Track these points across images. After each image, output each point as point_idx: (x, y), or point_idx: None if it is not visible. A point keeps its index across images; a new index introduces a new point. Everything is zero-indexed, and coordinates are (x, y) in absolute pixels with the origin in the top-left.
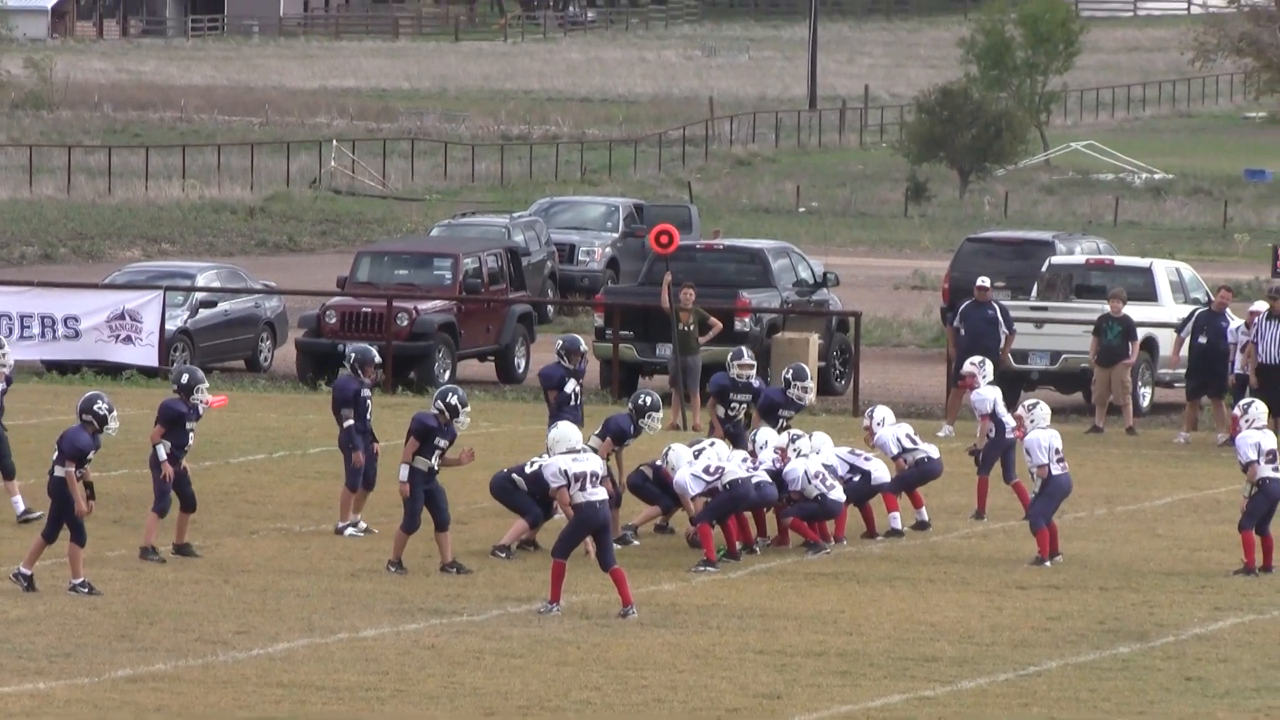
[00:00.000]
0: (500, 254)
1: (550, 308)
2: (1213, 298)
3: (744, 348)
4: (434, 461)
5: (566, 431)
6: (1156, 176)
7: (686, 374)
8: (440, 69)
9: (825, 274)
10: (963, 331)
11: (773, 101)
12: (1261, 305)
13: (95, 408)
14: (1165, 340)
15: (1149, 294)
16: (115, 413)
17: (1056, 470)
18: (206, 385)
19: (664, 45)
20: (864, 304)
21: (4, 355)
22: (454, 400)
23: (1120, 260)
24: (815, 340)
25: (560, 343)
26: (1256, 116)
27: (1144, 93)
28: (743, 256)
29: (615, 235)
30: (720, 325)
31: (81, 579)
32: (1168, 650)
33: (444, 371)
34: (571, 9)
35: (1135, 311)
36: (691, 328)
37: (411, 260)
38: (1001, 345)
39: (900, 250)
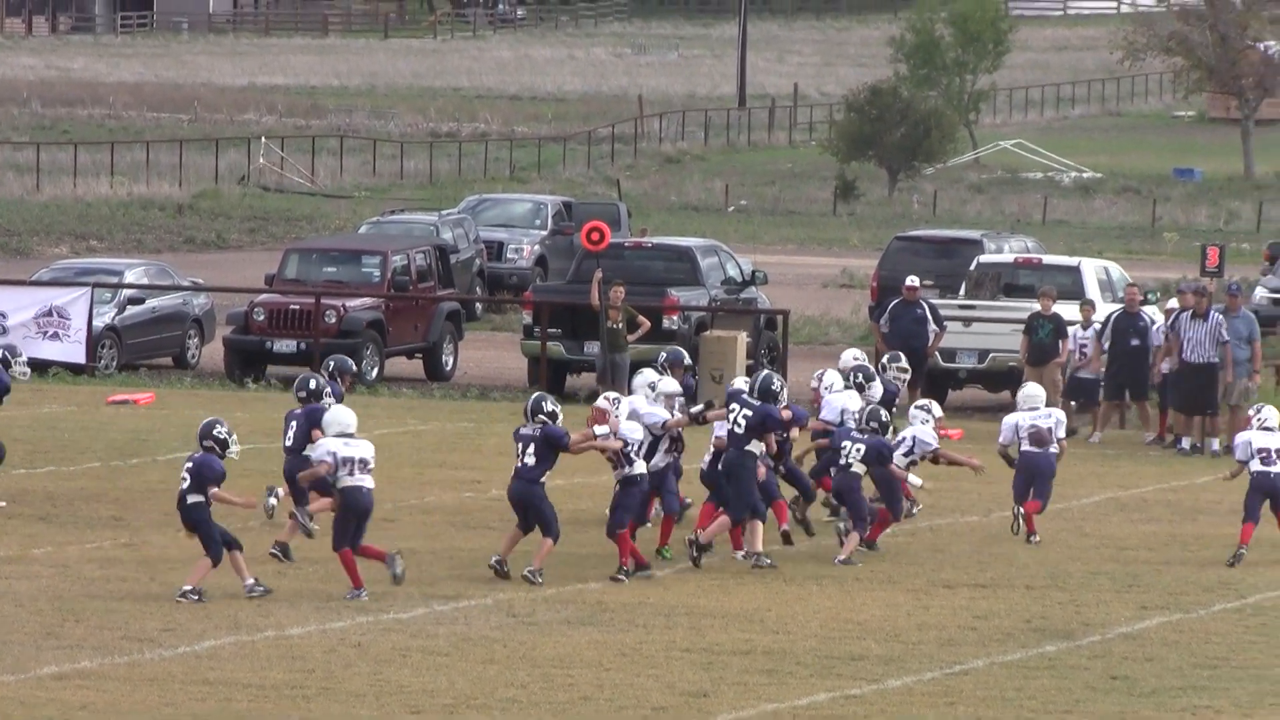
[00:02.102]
0: (429, 251)
1: (479, 305)
2: (1143, 298)
3: (899, 353)
4: None
5: (340, 415)
6: (1085, 175)
7: (614, 372)
8: (369, 66)
9: (754, 272)
10: (890, 330)
11: (702, 99)
12: (1174, 303)
13: (215, 433)
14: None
15: (1077, 292)
16: (235, 436)
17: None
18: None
19: (593, 43)
20: (792, 302)
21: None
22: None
23: (1049, 259)
24: (743, 338)
25: (663, 355)
26: (1185, 115)
27: (1073, 91)
28: (671, 255)
29: (544, 233)
30: (648, 323)
31: (193, 586)
32: (1094, 649)
33: (372, 369)
34: (501, 6)
35: (1064, 310)
36: (620, 326)
37: (340, 258)
38: (929, 343)
39: (829, 249)
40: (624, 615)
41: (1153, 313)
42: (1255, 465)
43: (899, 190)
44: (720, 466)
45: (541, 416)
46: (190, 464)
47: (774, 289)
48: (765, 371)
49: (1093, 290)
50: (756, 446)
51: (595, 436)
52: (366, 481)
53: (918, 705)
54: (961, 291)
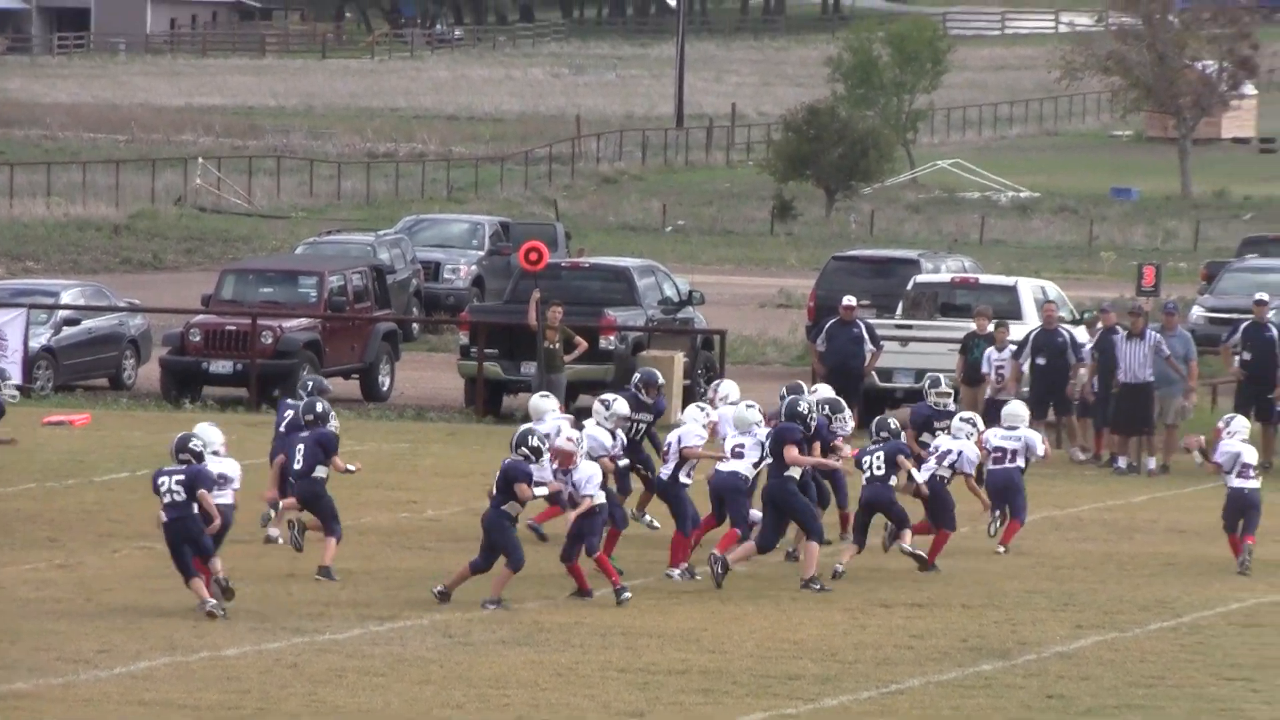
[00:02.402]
0: (365, 272)
1: (415, 326)
2: (1078, 317)
3: (941, 375)
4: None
5: (206, 432)
6: (1023, 195)
7: (551, 392)
8: (307, 87)
9: (690, 292)
10: (827, 350)
11: (640, 120)
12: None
13: (191, 445)
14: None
15: (1014, 312)
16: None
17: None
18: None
19: (531, 63)
20: (729, 322)
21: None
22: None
23: (985, 279)
24: (680, 359)
25: (638, 376)
26: (1123, 135)
27: (1011, 111)
28: (608, 275)
29: (481, 253)
30: (585, 344)
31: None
32: (1030, 668)
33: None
34: (438, 27)
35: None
36: (557, 346)
37: (276, 278)
38: (866, 363)
39: (766, 268)
40: (560, 635)
41: (1077, 331)
42: (1233, 480)
43: (836, 210)
44: (764, 496)
45: (524, 450)
46: (181, 477)
47: (711, 309)
48: (792, 397)
49: (1029, 310)
50: (795, 470)
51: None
52: (225, 498)
53: None
54: (898, 311)
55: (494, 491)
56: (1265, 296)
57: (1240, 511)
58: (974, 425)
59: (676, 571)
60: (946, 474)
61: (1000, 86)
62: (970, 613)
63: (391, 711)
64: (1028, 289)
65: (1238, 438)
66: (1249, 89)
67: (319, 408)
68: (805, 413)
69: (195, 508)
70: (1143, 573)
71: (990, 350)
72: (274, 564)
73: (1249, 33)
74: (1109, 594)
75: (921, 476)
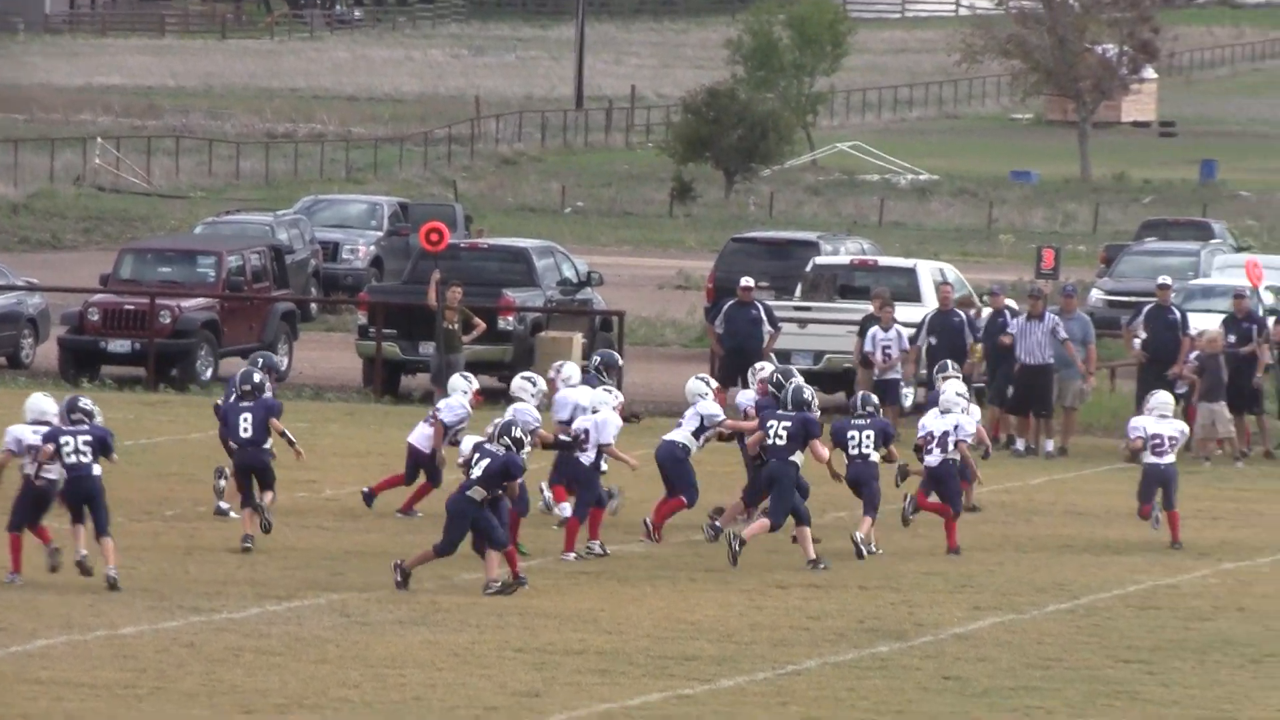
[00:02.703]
0: (264, 252)
1: (314, 306)
2: (978, 300)
3: (947, 362)
4: None
5: (38, 402)
6: (922, 178)
7: (449, 372)
8: (206, 67)
9: (589, 273)
10: (725, 331)
11: (539, 101)
12: (1011, 303)
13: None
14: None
15: (913, 294)
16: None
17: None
18: None
19: (431, 44)
20: (628, 303)
21: None
22: None
23: (884, 261)
24: (579, 339)
25: (598, 358)
26: (1023, 118)
27: (911, 94)
28: (507, 256)
29: (379, 234)
30: (483, 325)
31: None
32: (926, 649)
33: (207, 369)
34: (338, 8)
35: (898, 312)
36: (455, 326)
37: (175, 258)
38: (764, 345)
39: (665, 250)
40: (457, 615)
41: (974, 314)
42: (1148, 457)
43: (735, 192)
44: (762, 475)
45: (507, 440)
46: (88, 438)
47: (610, 290)
48: (797, 381)
49: (928, 292)
50: (799, 457)
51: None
52: (50, 473)
53: (750, 705)
54: (797, 293)
55: (468, 476)
56: (1168, 280)
57: (1157, 485)
58: (966, 398)
59: (570, 555)
60: (956, 456)
61: (900, 69)
62: (867, 594)
63: (288, 691)
64: (926, 271)
65: (1155, 414)
66: (1149, 73)
67: (256, 377)
68: (810, 399)
69: (97, 468)
70: (1040, 555)
71: (875, 330)
72: (172, 542)
73: (1149, 16)
74: (1006, 576)
75: (934, 461)
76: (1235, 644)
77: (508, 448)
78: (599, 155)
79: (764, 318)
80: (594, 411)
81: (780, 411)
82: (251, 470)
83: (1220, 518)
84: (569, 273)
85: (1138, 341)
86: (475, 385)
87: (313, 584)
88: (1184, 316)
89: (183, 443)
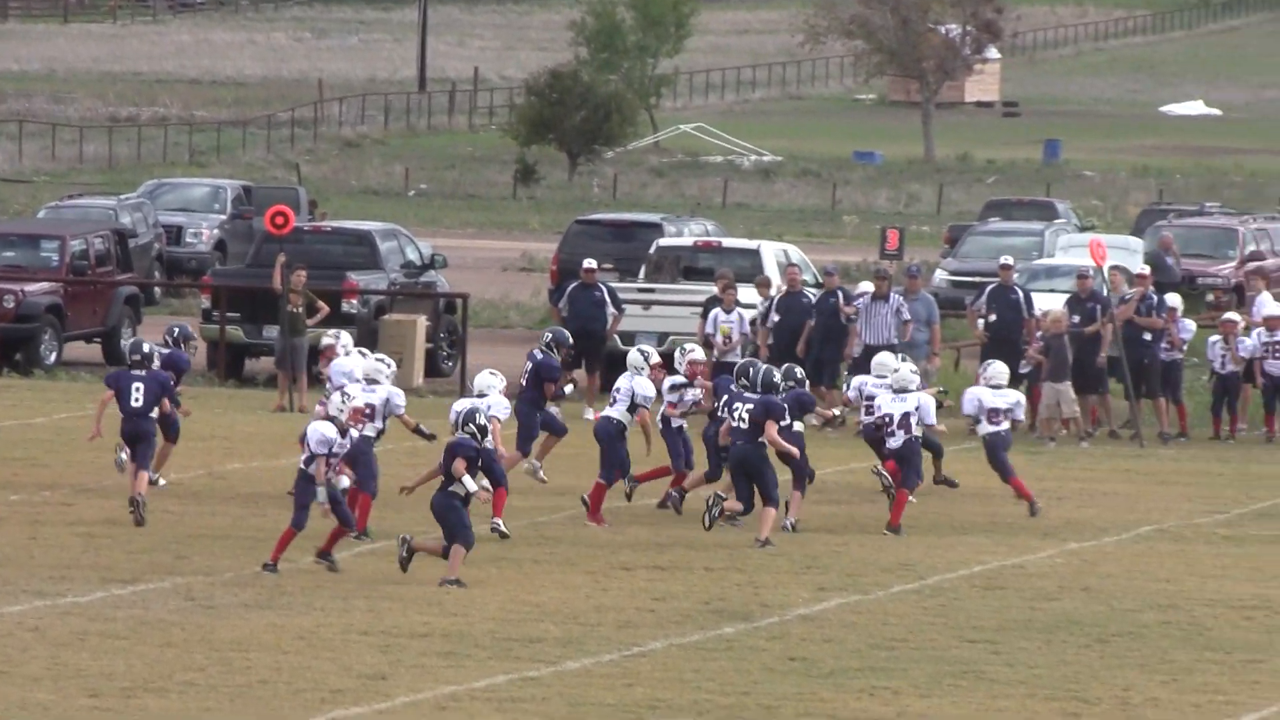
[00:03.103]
0: (107, 236)
1: (157, 290)
2: (821, 280)
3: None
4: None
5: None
6: (766, 159)
7: (294, 356)
8: (49, 51)
9: (433, 256)
10: (569, 313)
11: (382, 83)
12: (868, 286)
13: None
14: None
15: (756, 275)
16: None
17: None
18: None
19: (273, 27)
20: (472, 286)
21: None
22: None
23: (728, 242)
24: (423, 322)
25: (549, 335)
26: (866, 99)
27: (754, 75)
28: (350, 238)
29: (223, 217)
30: (327, 308)
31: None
32: (772, 630)
33: (50, 353)
34: None
35: (742, 294)
36: (299, 310)
37: (18, 242)
38: (608, 326)
39: (509, 232)
40: (302, 599)
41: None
42: (984, 428)
43: (579, 174)
44: (732, 464)
45: (471, 428)
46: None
47: (454, 272)
48: (765, 366)
49: (773, 273)
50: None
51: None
52: None
53: (596, 687)
54: (641, 274)
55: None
56: (1010, 260)
57: (1004, 451)
58: (919, 375)
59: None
60: (919, 435)
61: (744, 50)
62: (712, 575)
63: (134, 675)
64: (770, 252)
65: (990, 384)
66: (992, 53)
67: (146, 347)
68: (779, 382)
69: None
70: (886, 535)
71: (716, 311)
72: (15, 526)
73: None
74: (852, 557)
75: (896, 443)
76: (1081, 624)
77: (472, 435)
78: (442, 138)
79: (608, 299)
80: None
81: (746, 394)
82: (136, 439)
83: (1065, 498)
84: (413, 255)
85: (982, 322)
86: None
87: (158, 568)
88: (1028, 297)
89: (27, 427)
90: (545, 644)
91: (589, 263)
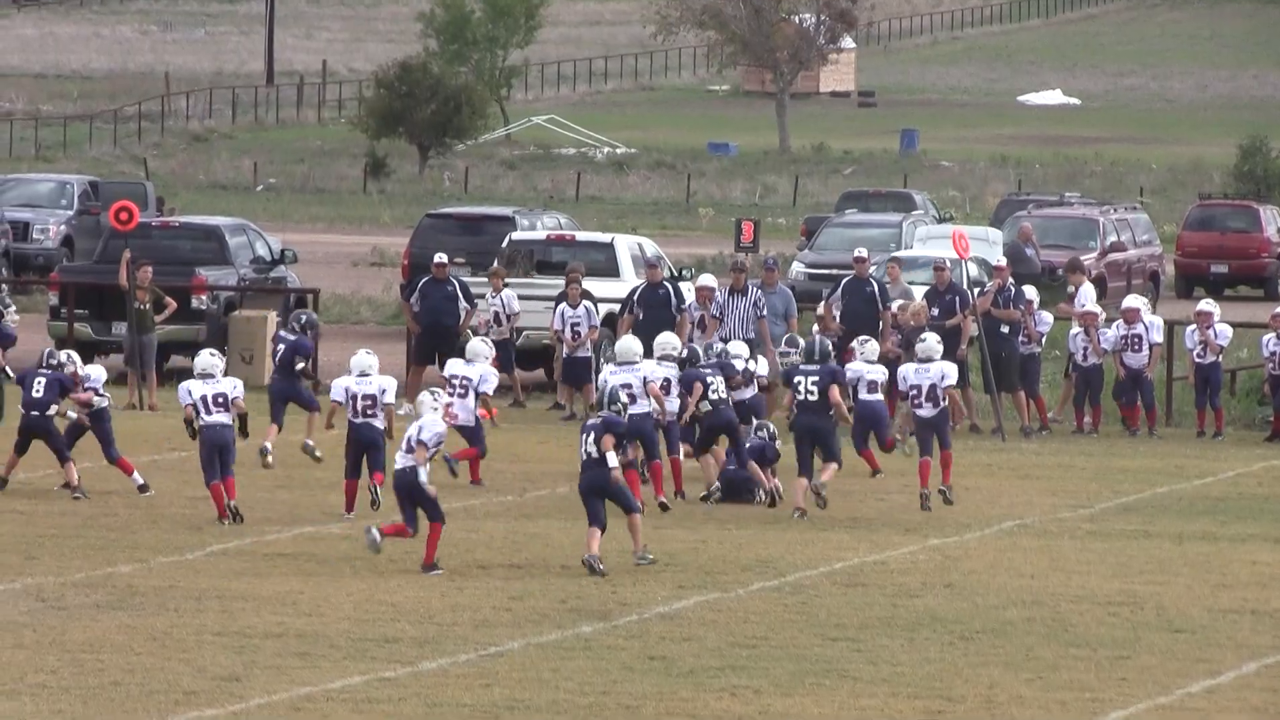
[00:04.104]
0: None
1: (4, 286)
2: (676, 273)
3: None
4: None
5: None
6: (619, 151)
7: (142, 352)
8: None
9: (283, 251)
10: (420, 308)
11: (230, 77)
12: (711, 280)
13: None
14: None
15: (611, 269)
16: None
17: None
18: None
19: (119, 20)
20: (322, 281)
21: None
22: None
23: (582, 235)
24: (273, 318)
25: (303, 317)
26: (720, 89)
27: (606, 66)
28: (199, 234)
29: (70, 213)
30: (175, 304)
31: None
32: (631, 629)
33: None
34: None
35: (597, 287)
36: (147, 306)
37: None
38: (460, 321)
39: (359, 227)
40: (154, 599)
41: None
42: (862, 394)
43: (430, 167)
44: (797, 432)
45: (617, 406)
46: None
47: (304, 268)
48: (818, 336)
49: (626, 266)
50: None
51: None
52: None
53: (453, 688)
54: (493, 268)
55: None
56: (864, 252)
57: (870, 425)
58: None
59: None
60: (944, 401)
61: (595, 42)
62: (569, 574)
63: None
64: (624, 246)
65: (863, 359)
66: (847, 42)
67: (60, 357)
68: (831, 350)
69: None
70: (744, 532)
71: (563, 307)
72: None
73: None
74: (710, 554)
75: (927, 413)
76: (944, 621)
77: (617, 412)
78: (291, 132)
79: (459, 294)
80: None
81: (805, 366)
82: (33, 433)
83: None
84: (262, 251)
85: (837, 314)
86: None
87: (6, 569)
88: (882, 289)
89: None
90: (401, 644)
91: (440, 257)
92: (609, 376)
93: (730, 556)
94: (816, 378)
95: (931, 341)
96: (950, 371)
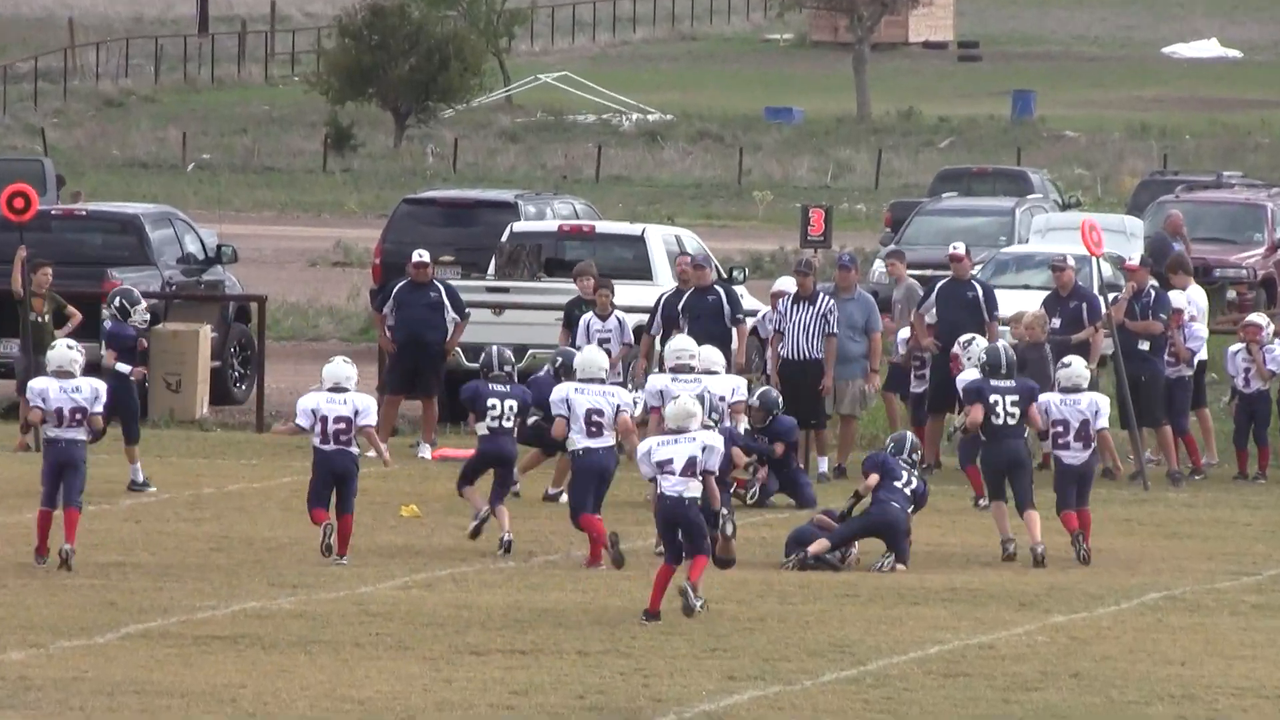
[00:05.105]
0: None
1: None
2: (726, 275)
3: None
4: None
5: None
6: (652, 118)
7: (40, 373)
8: None
9: (220, 248)
10: (397, 320)
11: (152, 24)
12: (788, 284)
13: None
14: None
15: (642, 270)
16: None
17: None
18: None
19: None
20: (271, 286)
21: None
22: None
23: (604, 227)
24: (207, 333)
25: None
26: (780, 39)
27: (635, 9)
28: (112, 226)
29: None
30: (80, 316)
31: None
32: None
33: None
34: None
35: (624, 294)
36: (46, 318)
37: None
38: (449, 337)
39: (318, 216)
40: (54, 695)
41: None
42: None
43: (409, 139)
44: (1003, 464)
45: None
46: None
47: (247, 268)
48: (1002, 344)
49: (661, 266)
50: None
51: None
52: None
53: None
54: (490, 269)
55: None
56: (964, 248)
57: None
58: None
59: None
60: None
61: None
62: (589, 661)
63: None
64: (659, 240)
65: (972, 365)
66: None
67: None
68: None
69: None
70: (813, 606)
71: (589, 318)
72: None
73: None
74: (769, 635)
75: (1075, 459)
76: None
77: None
78: (230, 94)
79: (446, 302)
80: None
81: (996, 383)
82: None
83: (1049, 556)
84: (193, 247)
85: (930, 326)
86: None
87: None
88: (989, 295)
89: None
90: None
91: (421, 255)
92: (667, 385)
93: (794, 639)
94: (1015, 396)
95: (1079, 366)
96: (1105, 406)
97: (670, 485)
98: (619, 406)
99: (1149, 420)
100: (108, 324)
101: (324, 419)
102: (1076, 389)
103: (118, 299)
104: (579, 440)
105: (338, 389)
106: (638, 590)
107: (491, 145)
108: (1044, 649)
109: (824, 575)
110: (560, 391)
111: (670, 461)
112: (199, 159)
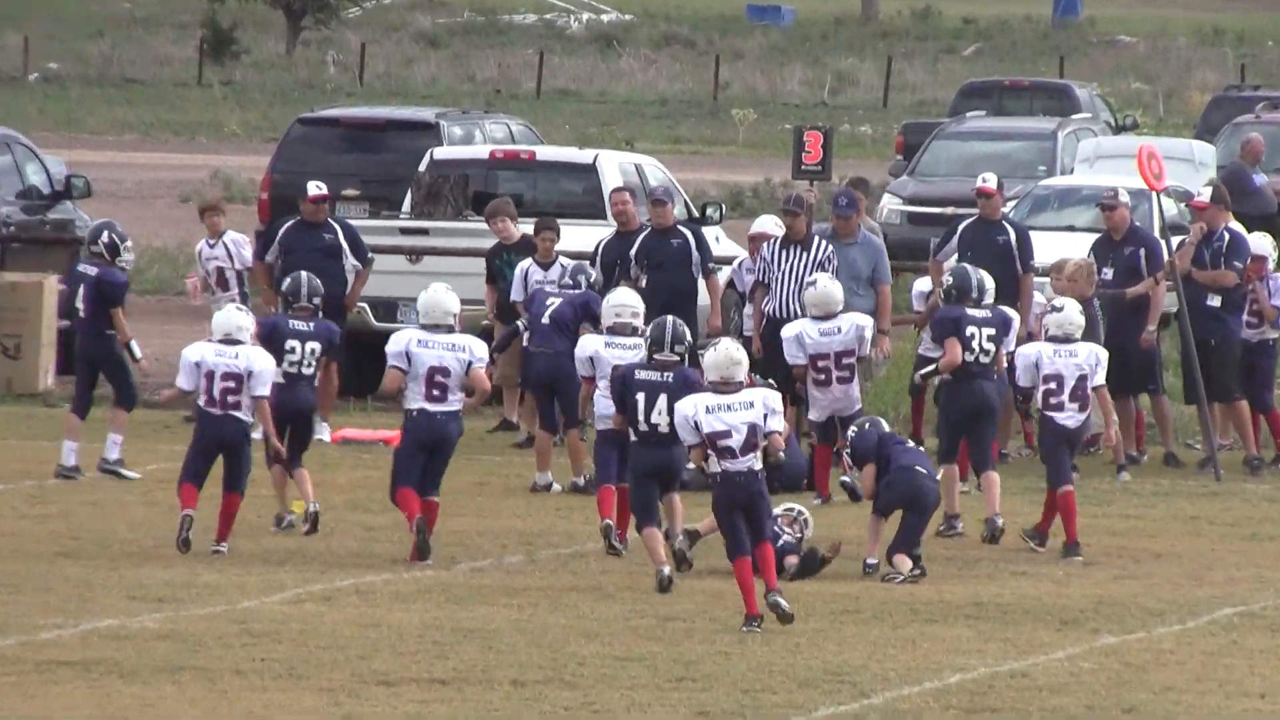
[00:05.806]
0: None
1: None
2: (695, 213)
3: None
4: None
5: None
6: (606, 18)
7: None
8: None
9: (69, 179)
10: (284, 267)
11: None
12: (771, 225)
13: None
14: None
15: (594, 206)
16: None
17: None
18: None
19: None
20: (133, 226)
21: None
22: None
23: (546, 153)
24: (53, 285)
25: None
26: None
27: None
28: None
29: None
30: None
31: None
32: None
33: None
34: None
35: (570, 235)
36: None
37: None
38: (349, 289)
39: (191, 140)
40: None
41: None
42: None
43: (304, 45)
44: (967, 407)
45: None
46: None
47: (102, 204)
48: (962, 265)
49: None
50: None
51: None
52: None
53: None
54: (405, 205)
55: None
56: (994, 180)
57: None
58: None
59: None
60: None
61: None
62: (525, 693)
63: None
64: (614, 169)
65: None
66: None
67: None
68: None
69: None
70: (804, 624)
71: (528, 266)
72: None
73: None
74: (751, 661)
75: (1070, 420)
76: None
77: None
78: None
79: (345, 246)
80: None
81: (972, 313)
82: None
83: (1094, 562)
84: (36, 178)
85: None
86: None
87: None
88: (1024, 239)
89: None
90: None
91: (318, 188)
92: (598, 349)
93: (780, 664)
94: (992, 330)
95: (1071, 312)
96: (1104, 359)
97: (733, 464)
98: (470, 364)
99: (1221, 394)
100: None
101: (209, 374)
102: (1069, 338)
103: None
104: (415, 400)
105: (229, 340)
106: (584, 605)
107: (407, 52)
108: (1090, 678)
109: (817, 586)
110: (400, 341)
111: (728, 435)
112: (44, 69)
